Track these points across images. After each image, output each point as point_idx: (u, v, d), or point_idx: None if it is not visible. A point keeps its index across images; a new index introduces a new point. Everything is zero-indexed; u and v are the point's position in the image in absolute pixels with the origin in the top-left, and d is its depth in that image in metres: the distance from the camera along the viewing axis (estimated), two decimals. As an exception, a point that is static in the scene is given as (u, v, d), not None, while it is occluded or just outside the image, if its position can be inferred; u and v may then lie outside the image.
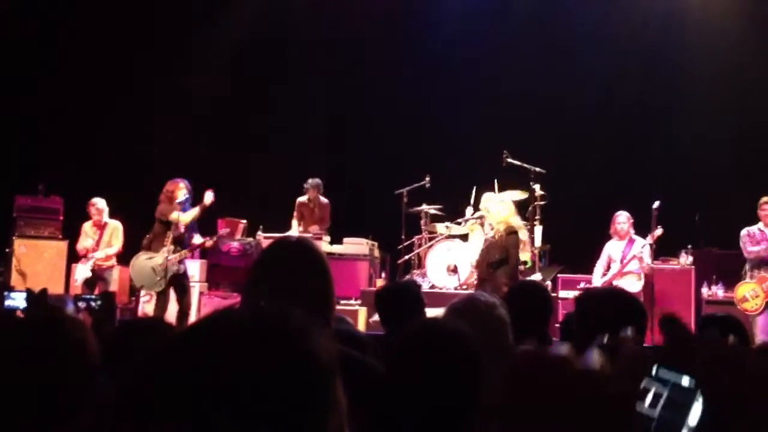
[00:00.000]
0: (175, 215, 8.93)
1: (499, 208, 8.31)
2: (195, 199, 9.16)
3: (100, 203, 9.99)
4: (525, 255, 9.31)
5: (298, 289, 2.11)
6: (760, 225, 8.90)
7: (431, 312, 4.76)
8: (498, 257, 8.06)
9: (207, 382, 0.87)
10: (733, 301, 8.94)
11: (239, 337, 0.92)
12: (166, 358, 0.93)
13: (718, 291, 9.37)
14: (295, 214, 10.98)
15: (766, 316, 8.55)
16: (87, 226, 10.03)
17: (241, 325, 0.94)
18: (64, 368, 1.80)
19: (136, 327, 2.42)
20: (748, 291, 8.71)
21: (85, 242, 9.96)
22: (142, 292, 9.55)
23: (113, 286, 10.00)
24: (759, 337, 8.28)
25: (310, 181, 10.88)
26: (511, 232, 8.14)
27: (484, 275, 8.20)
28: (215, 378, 0.88)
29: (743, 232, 8.91)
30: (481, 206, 8.76)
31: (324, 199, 10.99)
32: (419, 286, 5.02)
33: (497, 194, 9.43)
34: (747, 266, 8.86)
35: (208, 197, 9.11)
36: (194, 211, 9.08)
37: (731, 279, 9.27)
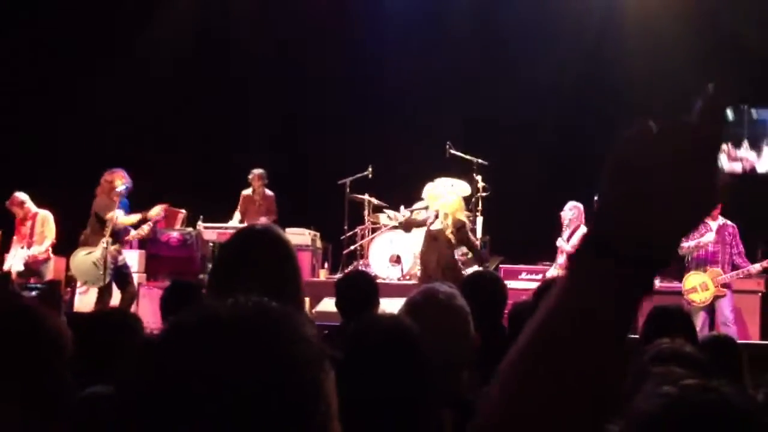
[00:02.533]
0: (111, 214, 8.74)
1: (449, 197, 8.24)
2: (133, 189, 9.04)
3: (20, 196, 9.53)
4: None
5: (266, 280, 2.06)
6: None
7: (382, 302, 4.76)
8: (448, 251, 7.99)
9: (198, 387, 0.85)
10: (670, 290, 9.14)
11: (228, 337, 0.89)
12: (153, 363, 0.90)
13: (655, 280, 9.53)
14: (239, 207, 10.80)
15: (707, 312, 8.50)
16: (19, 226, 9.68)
17: (228, 324, 0.91)
18: (43, 355, 1.75)
19: (109, 321, 2.33)
20: (698, 282, 8.59)
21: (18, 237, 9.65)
22: (79, 284, 9.35)
23: (48, 277, 9.73)
24: (699, 332, 8.28)
25: (253, 171, 10.66)
26: (460, 227, 8.09)
27: (431, 271, 8.03)
28: (206, 382, 0.85)
29: None
30: (427, 191, 8.66)
31: (269, 192, 10.76)
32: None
33: (448, 180, 9.40)
34: (688, 258, 8.77)
35: (156, 211, 9.22)
36: (134, 217, 9.06)
37: (667, 268, 9.46)
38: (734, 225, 8.72)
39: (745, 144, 0.97)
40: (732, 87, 0.94)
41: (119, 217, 8.89)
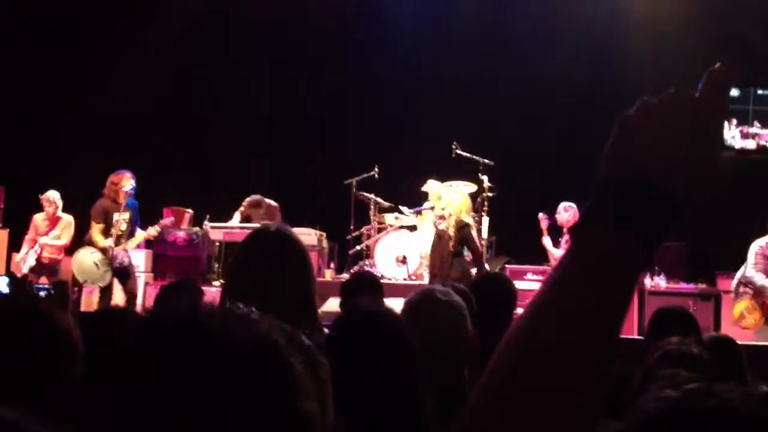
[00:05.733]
0: (117, 216, 8.78)
1: (454, 196, 8.29)
2: (139, 190, 9.07)
3: (52, 195, 9.64)
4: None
5: (279, 285, 2.07)
6: None
7: (388, 302, 4.76)
8: (450, 250, 8.04)
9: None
10: (675, 292, 9.13)
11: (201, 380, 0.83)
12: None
13: (661, 282, 9.53)
14: (242, 209, 10.72)
15: None
16: (38, 218, 9.71)
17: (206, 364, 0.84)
18: (55, 355, 1.75)
19: (109, 318, 2.34)
20: (744, 307, 8.06)
21: (32, 234, 9.67)
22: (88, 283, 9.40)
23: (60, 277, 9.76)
24: None
25: (246, 201, 10.55)
26: (462, 226, 8.12)
27: (436, 269, 8.15)
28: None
29: (756, 248, 7.96)
30: (432, 191, 8.66)
31: (272, 203, 10.64)
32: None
33: (455, 183, 9.42)
34: (741, 286, 8.09)
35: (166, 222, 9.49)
36: (141, 236, 9.14)
37: (673, 270, 9.48)
38: None
39: (757, 123, 0.95)
40: (739, 67, 0.94)
41: (137, 234, 9.02)
